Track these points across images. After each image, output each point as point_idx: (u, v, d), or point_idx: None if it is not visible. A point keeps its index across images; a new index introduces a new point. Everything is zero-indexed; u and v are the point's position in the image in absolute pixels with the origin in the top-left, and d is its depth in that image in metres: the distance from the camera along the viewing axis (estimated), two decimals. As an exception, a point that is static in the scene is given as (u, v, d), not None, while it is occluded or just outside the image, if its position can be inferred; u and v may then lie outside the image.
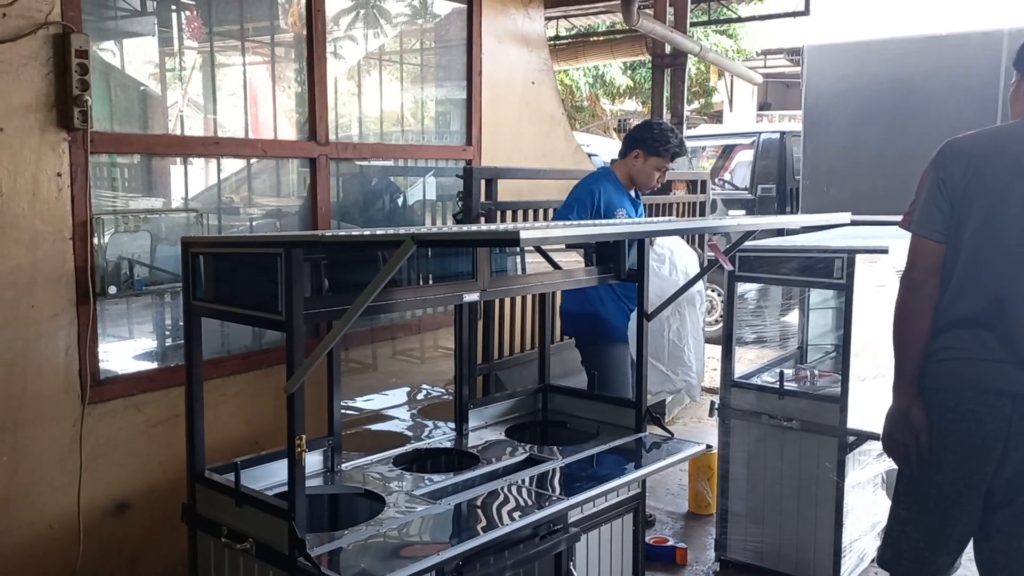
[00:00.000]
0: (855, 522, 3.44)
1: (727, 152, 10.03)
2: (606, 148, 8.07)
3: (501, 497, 2.57)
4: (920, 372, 2.28)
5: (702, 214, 5.85)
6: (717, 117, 21.26)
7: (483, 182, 3.95)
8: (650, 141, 3.82)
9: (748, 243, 3.43)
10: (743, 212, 8.51)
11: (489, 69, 4.62)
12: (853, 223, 3.24)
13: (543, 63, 5.06)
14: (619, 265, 3.16)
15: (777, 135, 8.52)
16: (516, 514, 2.44)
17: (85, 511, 2.96)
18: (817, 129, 7.78)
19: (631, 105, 21.20)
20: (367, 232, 1.87)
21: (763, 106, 22.16)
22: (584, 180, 4.01)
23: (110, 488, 3.07)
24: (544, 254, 3.18)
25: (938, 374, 2.26)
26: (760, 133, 8.66)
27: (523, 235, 1.53)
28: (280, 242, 2.08)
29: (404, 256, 1.73)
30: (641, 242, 3.08)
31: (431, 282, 2.56)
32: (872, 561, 3.71)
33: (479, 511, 2.46)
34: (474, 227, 1.95)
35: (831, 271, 3.29)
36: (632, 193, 3.93)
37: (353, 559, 2.12)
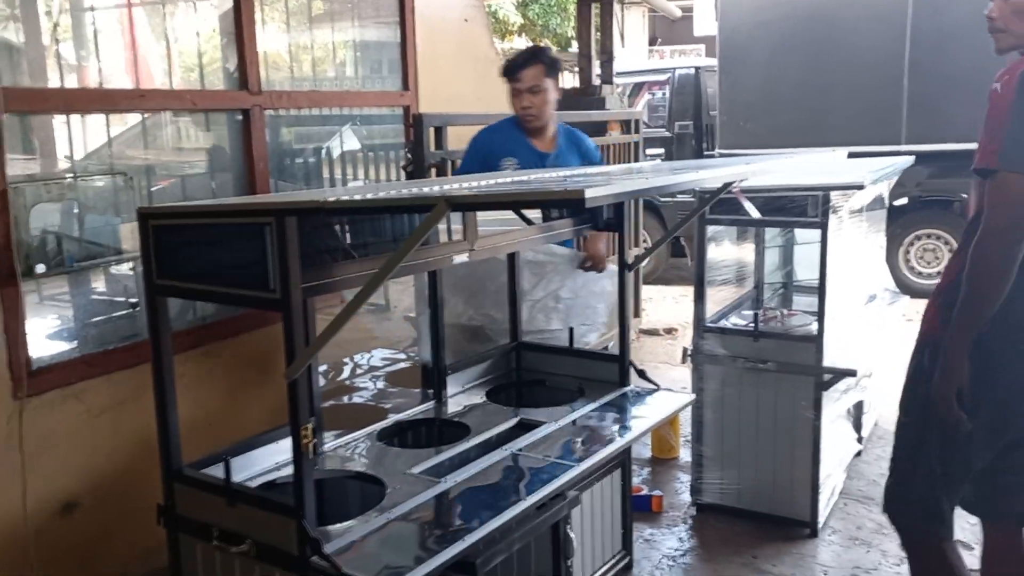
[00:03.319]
0: (827, 458, 3.47)
1: (637, 89, 9.95)
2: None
3: (503, 469, 2.42)
4: None
5: (635, 155, 5.75)
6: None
7: (432, 130, 3.70)
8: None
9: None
10: (662, 151, 8.47)
11: (421, 6, 4.32)
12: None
13: (474, -1, 4.80)
14: (596, 215, 3.02)
15: (692, 71, 8.47)
16: (522, 488, 2.30)
17: (31, 515, 2.65)
18: (733, 63, 7.77)
19: (521, 43, 20.91)
20: (386, 195, 1.64)
21: (651, 41, 22.21)
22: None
23: (55, 487, 2.77)
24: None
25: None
26: (675, 69, 8.60)
27: (589, 193, 1.34)
28: (269, 210, 1.83)
29: (437, 220, 1.52)
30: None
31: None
32: (841, 493, 3.78)
33: (484, 488, 2.30)
34: (518, 184, 1.75)
35: (804, 210, 3.24)
36: (541, 141, 3.59)
37: (372, 553, 1.94)
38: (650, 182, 1.58)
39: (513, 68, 3.48)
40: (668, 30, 22.06)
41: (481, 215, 3.19)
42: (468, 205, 1.65)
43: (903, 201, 7.94)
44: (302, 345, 1.83)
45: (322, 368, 3.50)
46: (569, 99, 5.89)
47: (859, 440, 4.08)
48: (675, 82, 8.50)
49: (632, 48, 20.70)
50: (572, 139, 3.69)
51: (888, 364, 4.15)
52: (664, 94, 8.71)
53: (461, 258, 2.42)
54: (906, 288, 7.62)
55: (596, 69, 5.92)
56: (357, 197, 1.65)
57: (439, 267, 2.50)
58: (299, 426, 1.87)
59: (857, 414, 4.11)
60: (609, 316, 3.76)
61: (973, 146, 2.07)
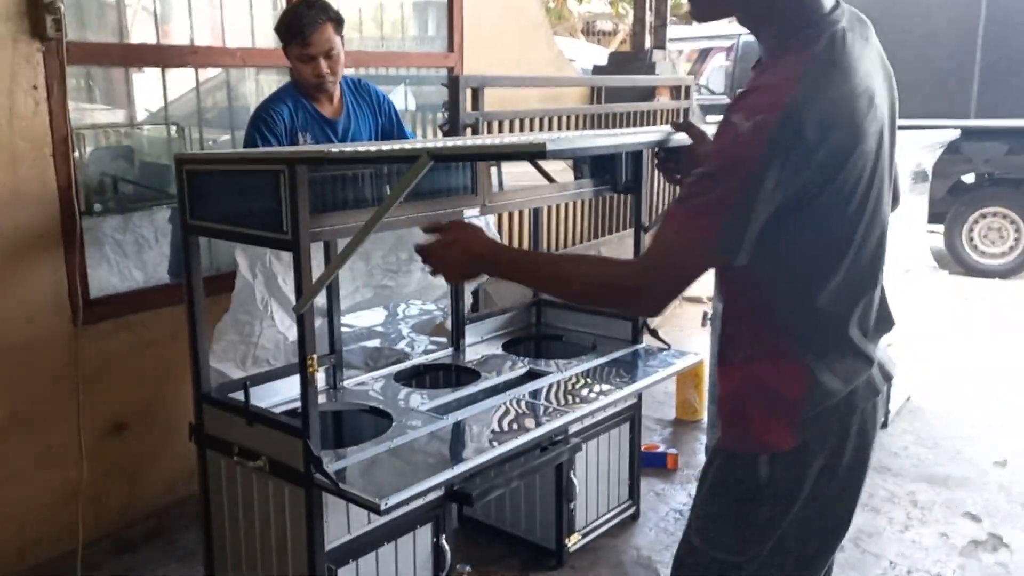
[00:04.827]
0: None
1: (703, 56, 9.86)
2: (584, 54, 7.87)
3: (504, 411, 2.59)
4: None
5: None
6: (685, 17, 20.77)
7: (469, 91, 3.84)
8: (279, 34, 3.01)
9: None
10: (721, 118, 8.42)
11: (470, -30, 4.45)
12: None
13: (525, -37, 4.89)
14: (616, 177, 3.13)
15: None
16: (521, 428, 2.47)
17: (85, 432, 2.94)
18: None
19: (598, 6, 20.69)
20: (376, 148, 1.80)
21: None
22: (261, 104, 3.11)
23: (107, 409, 3.05)
24: (538, 166, 3.13)
25: None
26: (740, 35, 8.50)
27: (550, 147, 1.48)
28: (282, 159, 2.01)
29: (421, 172, 1.68)
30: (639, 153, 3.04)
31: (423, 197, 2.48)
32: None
33: (484, 426, 2.48)
34: (493, 139, 1.88)
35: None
36: (328, 106, 3.11)
37: (367, 474, 2.14)
38: (614, 140, 1.71)
39: (302, 32, 2.91)
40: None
41: (512, 170, 3.24)
42: (447, 157, 1.80)
43: (969, 178, 7.75)
44: (309, 282, 2.02)
45: (367, 313, 3.68)
46: (619, 62, 5.95)
47: (884, 413, 4.12)
48: (739, 49, 8.42)
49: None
50: (359, 94, 3.25)
51: (926, 340, 4.16)
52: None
53: (472, 212, 2.57)
54: (967, 267, 7.48)
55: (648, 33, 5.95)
56: (360, 149, 1.82)
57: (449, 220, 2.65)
58: (306, 355, 2.06)
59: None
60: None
61: None
